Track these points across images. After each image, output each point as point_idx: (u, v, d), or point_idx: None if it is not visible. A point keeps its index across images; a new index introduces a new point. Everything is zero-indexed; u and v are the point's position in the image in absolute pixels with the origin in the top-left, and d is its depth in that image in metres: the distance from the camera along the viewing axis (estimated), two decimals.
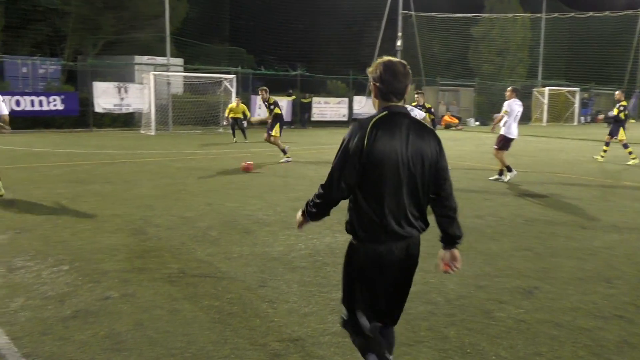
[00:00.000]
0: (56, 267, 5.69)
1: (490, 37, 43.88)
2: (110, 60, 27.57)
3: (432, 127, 3.37)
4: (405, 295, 3.35)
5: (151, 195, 9.50)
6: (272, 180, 11.60)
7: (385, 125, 3.05)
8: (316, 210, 3.25)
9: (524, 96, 40.28)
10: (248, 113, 20.64)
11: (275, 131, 14.33)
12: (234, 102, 20.71)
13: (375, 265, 3.12)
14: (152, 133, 22.05)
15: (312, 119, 29.58)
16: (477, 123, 35.93)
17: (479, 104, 37.97)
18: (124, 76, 25.28)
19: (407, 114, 3.16)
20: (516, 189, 11.10)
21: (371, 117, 3.11)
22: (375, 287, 3.18)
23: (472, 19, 41.29)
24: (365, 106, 31.49)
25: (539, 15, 42.81)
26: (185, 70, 28.51)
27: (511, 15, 42.93)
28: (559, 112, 40.25)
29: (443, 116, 32.88)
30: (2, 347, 4.00)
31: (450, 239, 3.33)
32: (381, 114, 3.11)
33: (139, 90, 23.95)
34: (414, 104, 14.01)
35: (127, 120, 24.20)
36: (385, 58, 3.18)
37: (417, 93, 14.85)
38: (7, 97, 20.73)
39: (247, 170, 12.40)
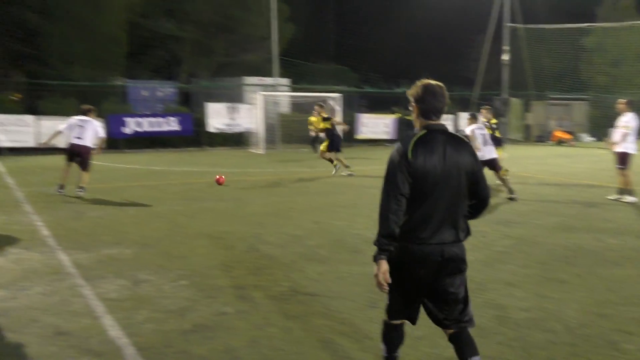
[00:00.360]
0: (176, 281, 5.99)
1: (604, 47, 41.58)
2: (221, 82, 28.87)
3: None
4: (457, 298, 3.59)
5: (262, 213, 9.79)
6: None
7: (425, 143, 3.40)
8: (389, 242, 3.45)
9: None
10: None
11: (324, 146, 15.42)
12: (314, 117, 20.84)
13: (408, 263, 3.47)
14: (262, 152, 22.76)
15: None
16: (593, 138, 34.07)
17: (593, 118, 36.01)
18: (234, 97, 26.35)
19: (444, 131, 3.49)
20: None
21: (412, 136, 3.45)
22: (407, 283, 3.54)
23: (584, 29, 39.33)
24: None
25: None
26: (292, 90, 29.25)
27: (627, 23, 40.46)
28: None
29: (553, 131, 31.47)
30: (129, 357, 4.26)
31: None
32: (421, 133, 3.46)
33: (248, 110, 24.85)
34: (483, 120, 13.73)
35: (237, 140, 25.14)
36: (425, 81, 3.56)
37: (484, 108, 14.47)
38: (130, 119, 22.27)
39: (219, 182, 11.98)
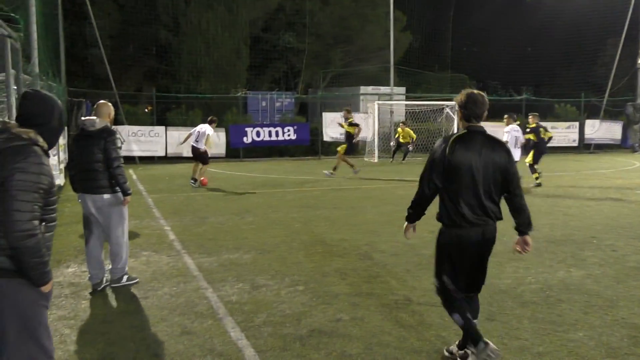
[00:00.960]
0: (292, 287, 6.13)
1: None
2: (337, 91, 29.28)
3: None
4: (484, 270, 4.39)
5: (376, 221, 9.79)
6: None
7: (463, 140, 4.14)
8: (413, 210, 4.53)
9: None
10: (414, 136, 22.63)
11: (342, 148, 16.74)
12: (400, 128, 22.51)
13: (456, 244, 4.25)
14: (375, 160, 22.79)
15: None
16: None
17: None
18: (350, 106, 26.61)
19: (483, 132, 4.19)
20: None
21: (454, 134, 4.23)
22: (457, 261, 4.27)
23: None
24: (598, 130, 28.98)
25: None
26: (408, 98, 29.07)
27: None
28: None
29: None
30: (249, 359, 4.41)
31: (521, 227, 4.41)
32: (462, 132, 4.22)
33: (363, 119, 24.97)
34: (532, 125, 14.90)
35: (352, 149, 25.35)
36: (469, 90, 4.23)
37: (531, 115, 15.48)
38: (250, 129, 23.16)
39: (203, 184, 14.33)
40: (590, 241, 8.16)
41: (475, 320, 4.25)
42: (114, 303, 5.77)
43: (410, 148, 22.60)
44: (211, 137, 14.73)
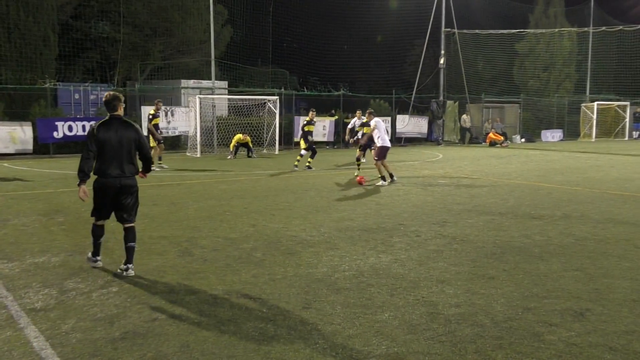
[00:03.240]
0: (105, 288, 5.82)
1: (535, 52, 43.22)
2: (157, 84, 28.32)
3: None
4: (127, 208, 6.45)
5: (197, 217, 9.66)
6: (316, 201, 11.64)
7: (106, 124, 6.32)
8: (82, 174, 6.27)
9: (572, 111, 39.62)
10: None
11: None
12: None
13: (102, 189, 6.31)
14: (198, 155, 22.46)
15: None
16: (523, 140, 35.31)
17: (525, 120, 37.35)
18: (171, 100, 25.90)
19: (119, 118, 6.40)
20: (565, 208, 10.83)
21: (99, 120, 6.43)
22: (102, 201, 6.37)
23: (516, 34, 40.75)
24: (408, 124, 31.35)
25: (585, 29, 41.96)
26: (230, 92, 29.02)
27: (557, 30, 42.19)
28: (609, 127, 39.24)
29: (488, 133, 32.45)
30: None
31: (144, 170, 6.78)
32: (105, 119, 6.38)
33: (184, 113, 24.50)
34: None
35: (173, 143, 24.73)
36: (107, 93, 6.62)
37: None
38: (61, 122, 21.51)
39: (360, 183, 14.04)
40: (398, 228, 8.81)
41: (131, 244, 6.40)
42: None
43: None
44: None
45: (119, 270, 6.30)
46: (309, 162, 17.63)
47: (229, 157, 21.79)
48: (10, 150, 20.61)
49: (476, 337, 4.66)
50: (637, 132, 40.14)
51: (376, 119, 14.45)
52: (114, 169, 6.22)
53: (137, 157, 6.51)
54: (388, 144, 14.29)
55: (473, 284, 6.07)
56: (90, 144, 6.17)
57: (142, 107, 23.44)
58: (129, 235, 6.39)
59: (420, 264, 6.79)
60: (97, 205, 6.40)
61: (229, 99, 27.13)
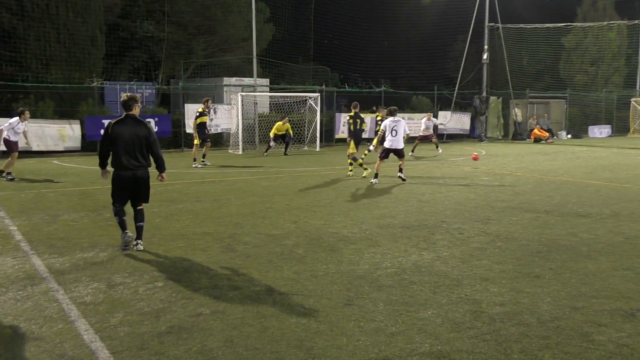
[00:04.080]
0: (151, 283, 5.94)
1: (583, 46, 42.06)
2: (200, 82, 28.71)
3: None
4: (140, 195, 7.35)
5: (239, 214, 9.76)
6: (357, 197, 11.62)
7: (120, 122, 7.11)
8: (100, 162, 7.35)
9: (621, 106, 38.49)
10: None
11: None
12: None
13: (118, 179, 7.18)
14: (240, 152, 22.68)
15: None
16: (569, 136, 34.48)
17: (571, 116, 36.46)
18: (213, 97, 26.17)
19: (134, 117, 7.18)
20: (614, 206, 10.53)
21: (114, 118, 7.27)
22: (118, 189, 7.24)
23: (563, 28, 39.76)
24: (450, 120, 30.98)
25: (636, 21, 40.61)
26: (272, 90, 29.19)
27: (606, 23, 40.96)
28: None
29: (532, 129, 31.78)
30: None
31: (159, 169, 7.50)
32: (120, 117, 7.18)
33: (227, 110, 24.75)
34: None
35: (216, 140, 24.99)
36: (125, 95, 7.40)
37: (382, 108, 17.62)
38: (107, 121, 21.98)
39: (475, 159, 15.67)
40: (440, 225, 8.72)
41: (140, 223, 7.35)
42: None
43: (272, 144, 22.80)
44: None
45: (130, 245, 7.28)
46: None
47: (265, 154, 21.92)
48: (60, 147, 21.22)
49: (522, 337, 4.59)
50: None
51: (389, 118, 13.98)
52: (128, 162, 7.04)
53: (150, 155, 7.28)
54: (390, 145, 13.76)
55: (518, 282, 5.97)
56: (104, 139, 7.16)
57: (186, 105, 23.81)
58: (139, 216, 7.36)
59: (463, 262, 6.72)
60: (113, 192, 7.27)
61: (270, 97, 27.29)
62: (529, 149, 25.45)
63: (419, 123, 30.41)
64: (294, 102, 26.24)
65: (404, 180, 13.93)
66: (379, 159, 13.96)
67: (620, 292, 5.64)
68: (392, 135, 13.73)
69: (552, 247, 7.42)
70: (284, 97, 26.16)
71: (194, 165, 17.41)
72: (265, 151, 22.22)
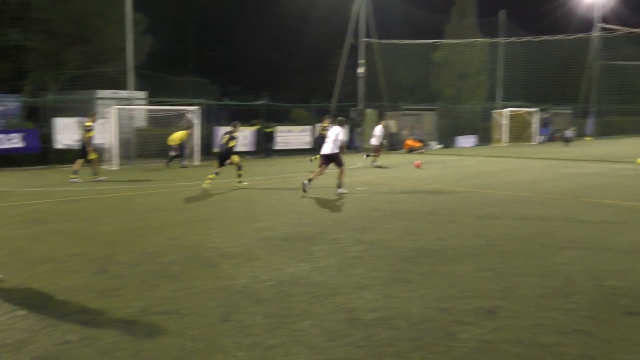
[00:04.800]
0: (12, 312, 5.54)
1: (451, 61, 44.84)
2: (73, 94, 27.29)
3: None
4: None
5: (113, 232, 9.37)
6: (238, 211, 11.56)
7: None
8: None
9: (484, 118, 41.32)
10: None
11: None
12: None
13: None
14: (115, 167, 21.80)
15: (276, 147, 29.71)
16: (440, 146, 36.44)
17: (441, 127, 38.59)
18: (87, 111, 24.96)
19: None
20: (479, 210, 11.27)
21: None
22: None
23: (432, 44, 42.14)
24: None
25: (496, 40, 43.97)
26: (149, 103, 28.36)
27: (470, 40, 43.95)
28: (519, 133, 41.14)
29: (405, 140, 33.26)
30: None
31: None
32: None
33: (101, 124, 23.71)
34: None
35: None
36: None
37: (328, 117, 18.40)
38: None
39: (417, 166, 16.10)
40: (318, 236, 8.89)
41: None
42: None
43: (174, 153, 22.92)
44: None
45: None
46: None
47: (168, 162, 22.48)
48: None
49: (394, 340, 4.77)
50: (543, 137, 42.34)
51: (334, 127, 14.54)
52: None
53: None
54: (324, 151, 14.30)
55: (391, 288, 6.21)
56: None
57: (56, 119, 22.54)
58: None
59: (340, 271, 6.89)
60: None
61: (148, 110, 26.51)
62: (403, 159, 26.60)
63: (298, 135, 30.96)
64: (173, 115, 25.68)
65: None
66: (322, 165, 14.38)
67: (483, 292, 6.04)
68: (328, 141, 14.24)
69: (422, 252, 7.81)
70: (162, 110, 25.54)
71: (71, 180, 16.59)
72: (169, 162, 22.52)
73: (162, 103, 27.85)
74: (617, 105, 49.73)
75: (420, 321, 5.20)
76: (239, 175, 15.53)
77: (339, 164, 14.06)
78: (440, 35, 44.20)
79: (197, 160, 24.38)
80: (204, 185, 14.88)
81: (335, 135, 14.08)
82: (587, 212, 10.96)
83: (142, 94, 28.73)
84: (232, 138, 15.38)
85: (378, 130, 23.12)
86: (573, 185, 15.25)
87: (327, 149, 14.17)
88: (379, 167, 21.62)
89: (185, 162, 22.89)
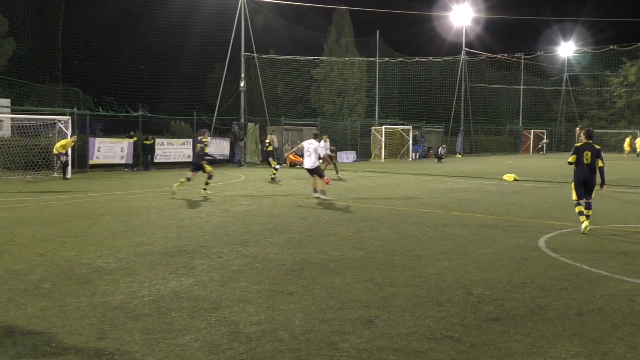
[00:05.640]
0: None
1: (330, 78, 46.07)
2: None
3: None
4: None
5: None
6: (113, 226, 11.09)
7: None
8: None
9: (363, 134, 42.77)
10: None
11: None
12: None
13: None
14: None
15: (156, 160, 28.89)
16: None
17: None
18: None
19: None
20: (358, 224, 11.63)
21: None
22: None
23: (312, 61, 43.07)
24: (210, 147, 31.29)
25: (372, 59, 45.80)
26: (14, 111, 26.53)
27: (347, 58, 45.44)
28: (396, 149, 43.03)
29: (288, 155, 33.61)
30: None
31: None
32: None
33: None
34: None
35: None
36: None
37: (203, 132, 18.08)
38: None
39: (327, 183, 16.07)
40: (199, 250, 8.75)
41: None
42: None
43: (64, 159, 22.39)
44: None
45: None
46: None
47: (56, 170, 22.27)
48: None
49: (276, 352, 4.80)
50: (416, 154, 44.59)
51: (310, 141, 16.13)
52: None
53: None
54: (306, 165, 16.04)
55: (273, 300, 6.25)
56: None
57: None
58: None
59: (222, 285, 6.82)
60: None
61: (12, 119, 24.78)
62: (285, 173, 26.84)
63: (178, 148, 30.31)
64: (41, 125, 24.18)
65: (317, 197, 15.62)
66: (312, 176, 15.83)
67: (362, 302, 6.24)
68: (306, 156, 15.81)
69: (304, 265, 7.92)
70: (29, 119, 23.98)
71: None
72: (64, 169, 22.24)
73: (29, 112, 26.17)
74: (483, 125, 53.66)
75: (301, 332, 5.28)
76: (207, 184, 16.70)
77: (320, 175, 15.80)
78: (319, 53, 45.36)
79: (69, 173, 23.09)
80: (173, 188, 15.87)
81: (313, 149, 15.75)
82: (457, 225, 11.66)
83: (5, 102, 26.85)
84: (205, 145, 16.47)
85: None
86: (445, 200, 16.17)
87: (307, 163, 15.77)
88: (276, 181, 21.60)
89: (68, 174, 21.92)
